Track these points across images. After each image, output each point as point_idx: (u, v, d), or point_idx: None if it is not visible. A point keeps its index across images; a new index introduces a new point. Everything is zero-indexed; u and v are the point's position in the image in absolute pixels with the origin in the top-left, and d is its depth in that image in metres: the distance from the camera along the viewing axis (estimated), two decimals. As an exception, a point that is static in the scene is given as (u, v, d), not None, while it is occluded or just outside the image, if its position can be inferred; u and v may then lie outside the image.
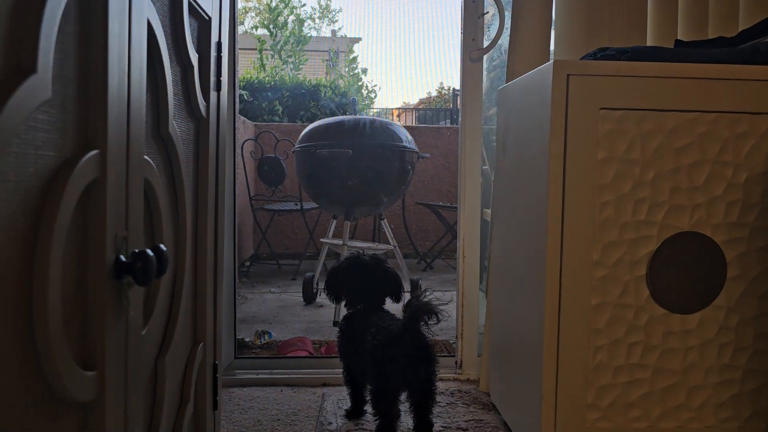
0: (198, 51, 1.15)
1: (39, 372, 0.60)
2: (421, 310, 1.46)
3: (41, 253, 0.57)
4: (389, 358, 1.50)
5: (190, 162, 1.11)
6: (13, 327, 0.56)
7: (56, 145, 0.61)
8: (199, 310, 1.16)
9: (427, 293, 1.49)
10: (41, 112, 0.58)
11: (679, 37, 1.88)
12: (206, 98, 1.20)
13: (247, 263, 4.71)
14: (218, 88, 1.27)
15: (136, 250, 0.75)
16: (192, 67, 1.09)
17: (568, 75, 1.36)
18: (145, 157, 0.85)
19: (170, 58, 0.98)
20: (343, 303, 1.79)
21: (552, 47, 1.99)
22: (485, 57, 2.15)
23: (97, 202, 0.67)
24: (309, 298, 3.61)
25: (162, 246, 0.79)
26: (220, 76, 1.28)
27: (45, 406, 0.61)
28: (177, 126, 1.02)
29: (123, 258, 0.73)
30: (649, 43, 1.92)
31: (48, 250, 0.57)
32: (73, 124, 0.65)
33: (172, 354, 0.99)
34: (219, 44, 1.26)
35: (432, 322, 1.47)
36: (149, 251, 0.74)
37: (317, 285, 3.64)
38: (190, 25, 1.10)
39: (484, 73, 2.18)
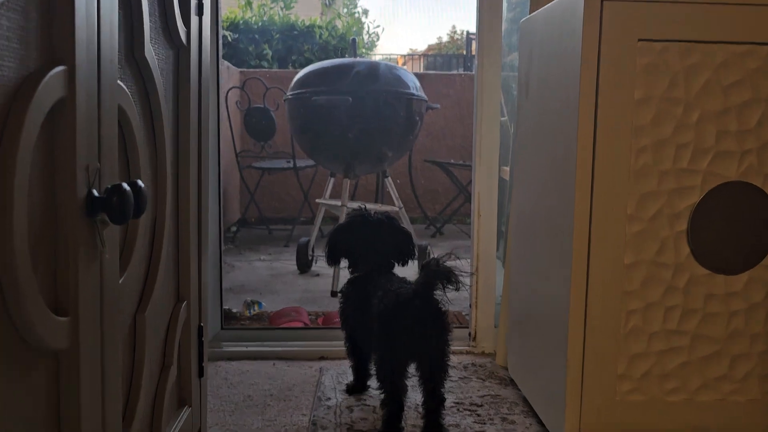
0: (177, -33, 1.13)
1: (6, 313, 0.60)
2: (438, 275, 1.44)
3: (4, 175, 0.57)
4: (397, 324, 1.50)
5: (170, 94, 1.11)
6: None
7: (18, 56, 0.61)
8: (182, 264, 1.17)
9: (450, 257, 1.47)
10: (0, 15, 0.57)
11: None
12: (186, 23, 1.18)
13: (234, 228, 4.73)
14: (200, 13, 1.25)
15: (110, 186, 0.75)
16: (170, -16, 1.08)
17: (602, 1, 1.34)
18: (119, 82, 0.85)
19: (145, -28, 0.96)
20: (346, 268, 1.79)
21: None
22: (506, -12, 2.12)
23: (65, 124, 0.67)
24: (304, 266, 3.64)
25: (140, 182, 0.79)
26: (203, -2, 1.26)
27: (14, 352, 0.62)
28: (154, 52, 1.01)
29: (96, 193, 0.73)
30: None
31: (12, 171, 0.57)
32: (36, 34, 0.64)
33: (153, 309, 1.00)
34: (201, -39, 1.24)
35: (450, 289, 1.46)
36: (125, 185, 0.73)
37: (313, 252, 3.66)
38: (168, -65, 1.08)
39: (504, 10, 2.15)
